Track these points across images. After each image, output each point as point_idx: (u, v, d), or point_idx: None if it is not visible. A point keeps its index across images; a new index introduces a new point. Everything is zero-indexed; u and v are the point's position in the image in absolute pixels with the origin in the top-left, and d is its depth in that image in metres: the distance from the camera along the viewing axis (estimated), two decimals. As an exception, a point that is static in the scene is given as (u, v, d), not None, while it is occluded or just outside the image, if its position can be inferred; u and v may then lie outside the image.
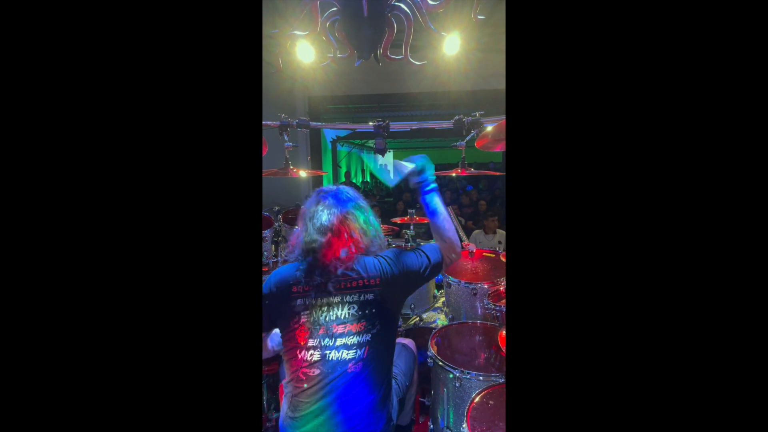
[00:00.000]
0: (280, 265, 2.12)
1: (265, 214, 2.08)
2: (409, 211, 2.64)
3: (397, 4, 1.56)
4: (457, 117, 2.24)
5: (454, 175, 1.95)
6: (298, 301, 1.17)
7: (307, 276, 1.19)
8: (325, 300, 1.17)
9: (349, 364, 1.15)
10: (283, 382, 1.24)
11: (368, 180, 10.44)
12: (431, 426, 1.65)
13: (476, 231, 3.88)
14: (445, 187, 7.73)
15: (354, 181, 8.73)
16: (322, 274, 1.18)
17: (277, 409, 1.87)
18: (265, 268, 1.96)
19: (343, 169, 9.01)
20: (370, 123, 2.40)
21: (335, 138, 8.46)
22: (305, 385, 1.15)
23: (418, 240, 2.49)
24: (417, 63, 1.77)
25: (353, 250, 1.22)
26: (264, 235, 1.92)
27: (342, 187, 1.36)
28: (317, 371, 1.15)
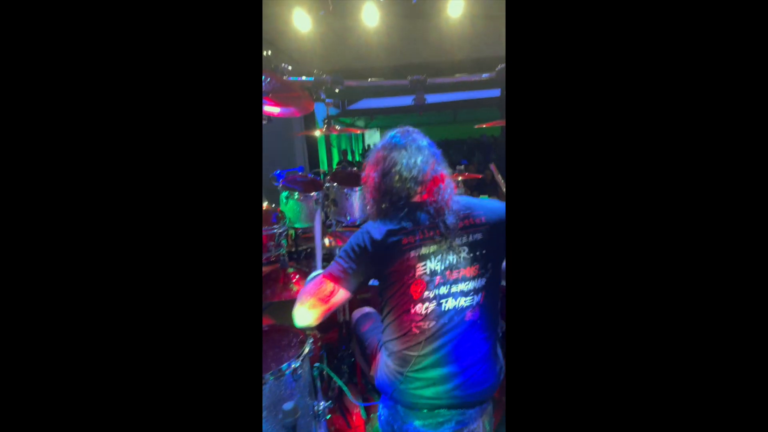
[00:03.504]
0: (336, 230, 2.00)
1: (311, 176, 1.96)
2: (458, 167, 2.45)
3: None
4: (500, 66, 2.15)
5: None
6: (412, 254, 1.05)
7: (417, 224, 1.08)
8: (438, 246, 1.07)
9: (467, 312, 1.07)
10: (384, 341, 1.15)
11: (358, 160, 10.26)
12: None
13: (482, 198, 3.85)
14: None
15: (350, 159, 8.56)
16: (431, 219, 1.08)
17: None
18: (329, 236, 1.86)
19: (335, 148, 8.80)
20: (408, 77, 2.27)
21: (326, 117, 8.21)
22: (420, 339, 1.06)
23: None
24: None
25: (454, 187, 1.14)
26: (318, 197, 1.81)
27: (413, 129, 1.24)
28: (432, 323, 1.06)
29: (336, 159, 8.27)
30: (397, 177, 1.11)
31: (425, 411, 1.09)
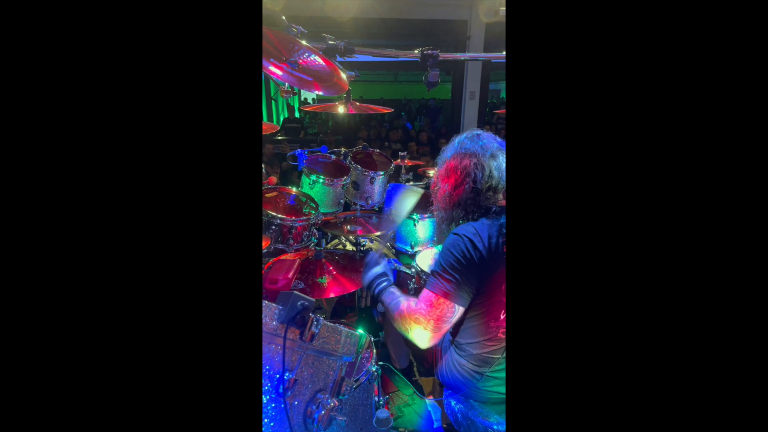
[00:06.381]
0: (358, 215, 1.86)
1: (334, 157, 1.81)
2: (400, 153, 2.32)
3: None
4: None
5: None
6: None
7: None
8: None
9: None
10: (460, 343, 1.17)
11: (298, 116, 9.63)
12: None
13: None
14: (377, 121, 7.44)
15: (297, 116, 8.00)
16: None
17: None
18: (345, 211, 1.74)
19: (280, 102, 8.11)
20: (416, 51, 2.16)
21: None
22: (505, 343, 1.10)
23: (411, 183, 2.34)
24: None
25: None
26: (345, 182, 1.69)
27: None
28: None
29: (275, 113, 7.68)
30: (470, 188, 1.08)
31: (497, 405, 1.16)
